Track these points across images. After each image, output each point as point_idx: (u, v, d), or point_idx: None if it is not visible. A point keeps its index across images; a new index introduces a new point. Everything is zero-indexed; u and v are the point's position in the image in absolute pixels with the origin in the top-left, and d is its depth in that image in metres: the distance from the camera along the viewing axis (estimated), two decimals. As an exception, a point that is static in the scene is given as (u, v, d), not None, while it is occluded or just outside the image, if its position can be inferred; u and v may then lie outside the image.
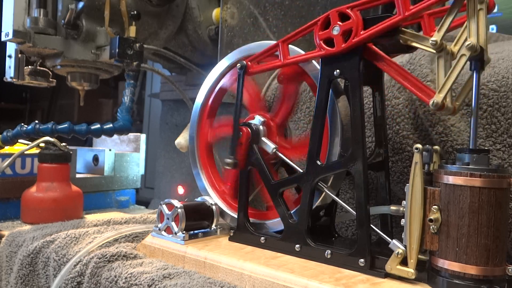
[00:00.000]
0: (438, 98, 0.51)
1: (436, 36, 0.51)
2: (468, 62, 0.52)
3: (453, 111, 0.53)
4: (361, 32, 0.56)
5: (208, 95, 0.78)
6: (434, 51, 0.52)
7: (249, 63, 0.69)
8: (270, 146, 0.68)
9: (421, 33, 0.54)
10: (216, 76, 0.77)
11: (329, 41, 0.59)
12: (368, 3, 0.56)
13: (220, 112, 0.80)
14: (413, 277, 0.51)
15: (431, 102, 0.51)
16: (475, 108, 0.51)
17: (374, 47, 0.57)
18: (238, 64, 0.69)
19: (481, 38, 0.50)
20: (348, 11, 0.57)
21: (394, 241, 0.53)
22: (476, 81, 0.52)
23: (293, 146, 0.70)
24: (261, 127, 0.69)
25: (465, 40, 0.51)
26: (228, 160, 0.68)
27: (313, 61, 0.65)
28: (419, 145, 0.51)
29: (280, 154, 0.67)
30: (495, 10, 1.13)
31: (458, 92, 0.58)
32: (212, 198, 0.75)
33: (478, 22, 0.50)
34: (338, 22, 0.57)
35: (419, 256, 0.52)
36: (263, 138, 0.69)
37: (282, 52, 0.65)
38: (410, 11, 0.52)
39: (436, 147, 0.53)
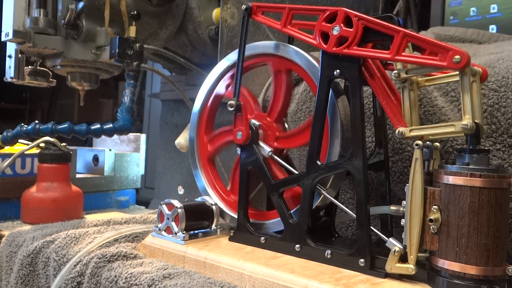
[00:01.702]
0: (405, 129, 0.54)
1: (399, 67, 0.55)
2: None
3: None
4: (354, 47, 0.56)
5: (208, 95, 0.78)
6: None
7: (255, 7, 0.69)
8: (266, 149, 0.68)
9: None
10: (216, 76, 0.77)
11: (325, 35, 0.59)
12: (374, 24, 0.55)
13: (220, 112, 0.80)
14: (413, 272, 0.51)
15: (397, 131, 0.54)
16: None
17: (368, 60, 0.58)
18: (244, 6, 0.69)
19: (476, 113, 0.50)
20: (355, 19, 0.57)
21: (391, 239, 0.53)
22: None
23: (294, 135, 0.69)
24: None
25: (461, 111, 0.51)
26: (232, 102, 0.69)
27: (313, 60, 0.65)
28: (419, 142, 0.51)
29: (276, 158, 0.67)
30: (495, 10, 1.13)
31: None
32: (212, 198, 0.75)
33: (472, 96, 0.50)
34: (341, 24, 0.57)
35: (419, 254, 0.52)
36: (259, 142, 0.69)
37: (285, 17, 0.65)
38: (401, 57, 0.53)
39: (437, 144, 0.53)
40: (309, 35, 0.61)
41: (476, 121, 0.50)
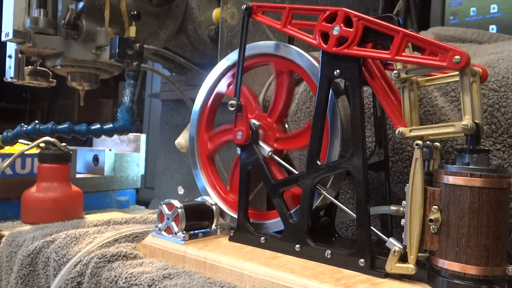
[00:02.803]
0: (405, 129, 0.54)
1: (399, 67, 0.55)
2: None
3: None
4: (354, 47, 0.56)
5: (208, 95, 0.78)
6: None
7: (255, 7, 0.69)
8: (266, 149, 0.68)
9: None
10: (216, 76, 0.77)
11: (325, 35, 0.59)
12: (374, 25, 0.55)
13: (220, 112, 0.80)
14: (413, 272, 0.51)
15: (397, 131, 0.55)
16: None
17: (368, 60, 0.58)
18: (244, 6, 0.69)
19: (476, 114, 0.50)
20: (355, 19, 0.57)
21: (391, 239, 0.53)
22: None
23: (294, 137, 0.69)
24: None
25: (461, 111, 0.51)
26: (232, 102, 0.69)
27: (313, 60, 0.65)
28: (419, 141, 0.51)
29: (276, 157, 0.67)
30: (495, 10, 1.13)
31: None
32: (212, 198, 0.75)
33: (472, 96, 0.50)
34: (341, 24, 0.57)
35: (419, 254, 0.52)
36: (259, 142, 0.69)
37: (285, 17, 0.65)
38: (401, 57, 0.53)
39: (437, 143, 0.53)
40: (309, 35, 0.61)
41: (476, 121, 0.50)
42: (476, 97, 0.50)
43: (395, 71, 0.55)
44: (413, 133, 0.53)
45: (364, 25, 0.56)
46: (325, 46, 0.59)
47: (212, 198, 0.75)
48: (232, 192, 0.75)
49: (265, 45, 0.71)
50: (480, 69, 0.51)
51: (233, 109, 0.69)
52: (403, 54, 0.53)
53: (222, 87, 0.77)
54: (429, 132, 0.53)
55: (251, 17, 0.69)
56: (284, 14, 0.65)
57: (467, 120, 0.49)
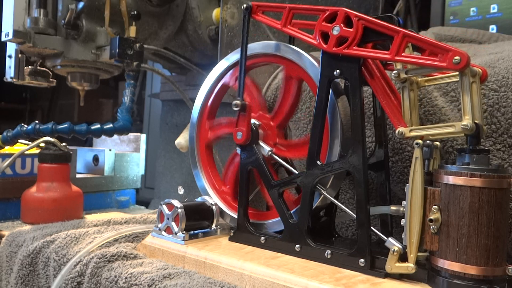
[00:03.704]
0: (405, 129, 0.54)
1: (399, 68, 0.55)
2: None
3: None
4: (354, 47, 0.56)
5: (208, 95, 0.78)
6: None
7: (255, 6, 0.69)
8: (266, 149, 0.68)
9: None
10: (216, 76, 0.77)
11: (325, 36, 0.59)
12: (374, 25, 0.55)
13: (220, 112, 0.80)
14: (413, 271, 0.51)
15: (397, 131, 0.54)
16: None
17: (368, 60, 0.58)
18: (244, 5, 0.69)
19: (476, 113, 0.50)
20: (355, 19, 0.57)
21: (390, 239, 0.53)
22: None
23: (294, 146, 0.70)
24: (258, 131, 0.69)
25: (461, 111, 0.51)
26: (237, 102, 0.68)
27: (313, 60, 0.65)
28: (419, 140, 0.51)
29: (276, 157, 0.67)
30: (495, 10, 1.13)
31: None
32: (212, 198, 0.75)
33: (472, 96, 0.50)
34: (341, 24, 0.57)
35: (419, 254, 0.52)
36: (259, 142, 0.69)
37: (285, 17, 0.65)
38: (401, 57, 0.53)
39: (437, 143, 0.53)
40: (309, 35, 0.61)
41: (476, 121, 0.50)
42: (476, 98, 0.50)
43: (395, 71, 0.55)
44: (413, 133, 0.53)
45: (364, 25, 0.56)
46: (325, 46, 0.59)
47: (212, 198, 0.75)
48: (224, 184, 0.76)
49: (275, 47, 0.70)
50: (480, 70, 0.51)
51: (237, 109, 0.68)
52: (403, 54, 0.53)
53: (228, 79, 0.76)
54: (429, 132, 0.53)
55: (252, 17, 0.69)
56: (284, 14, 0.65)
57: (467, 121, 0.49)
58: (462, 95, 0.50)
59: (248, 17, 0.69)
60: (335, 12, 0.59)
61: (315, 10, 0.61)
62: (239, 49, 0.73)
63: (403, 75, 0.54)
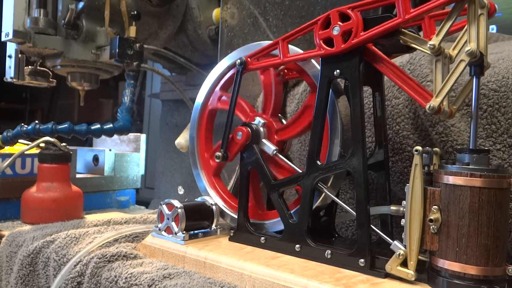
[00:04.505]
0: (435, 102, 0.51)
1: (434, 40, 0.51)
2: (468, 67, 0.51)
3: (450, 115, 0.54)
4: (361, 34, 0.56)
5: (208, 95, 0.78)
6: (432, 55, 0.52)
7: (248, 59, 0.69)
8: (270, 148, 0.68)
9: (421, 35, 0.54)
10: (216, 76, 0.77)
11: (329, 41, 0.59)
12: (369, 5, 0.56)
13: (220, 112, 0.80)
14: (413, 279, 0.51)
15: (427, 106, 0.51)
16: (475, 111, 0.51)
17: (373, 48, 0.57)
18: (238, 60, 0.70)
19: (481, 44, 0.50)
20: (349, 11, 0.57)
21: (396, 242, 0.53)
22: (476, 85, 0.51)
23: (291, 125, 0.70)
24: (261, 129, 0.69)
25: (465, 44, 0.51)
26: (218, 153, 0.71)
27: (313, 60, 0.65)
28: (419, 147, 0.51)
29: (280, 156, 0.68)
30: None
31: (457, 94, 0.58)
32: (212, 198, 0.75)
33: (478, 27, 0.50)
34: (339, 22, 0.57)
35: (420, 257, 0.52)
36: (264, 140, 0.69)
37: (281, 50, 0.65)
38: (410, 14, 0.52)
39: (436, 149, 0.53)
40: (313, 51, 0.61)
41: (481, 50, 0.49)
42: (483, 28, 0.49)
43: (430, 43, 0.51)
44: (441, 102, 0.51)
45: (360, 11, 0.56)
46: (333, 49, 0.58)
47: (212, 198, 0.75)
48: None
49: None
50: (489, 3, 0.50)
51: (218, 160, 0.71)
52: (411, 10, 0.52)
53: (213, 102, 0.78)
54: (449, 85, 0.50)
55: (248, 68, 0.70)
56: (279, 48, 0.65)
57: (472, 46, 0.49)
58: (468, 25, 0.50)
59: (241, 72, 0.70)
60: (327, 16, 0.59)
61: (307, 27, 0.61)
62: (239, 49, 0.73)
63: (437, 46, 0.51)
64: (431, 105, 0.51)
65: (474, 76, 0.51)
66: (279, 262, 0.59)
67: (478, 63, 0.50)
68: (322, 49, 0.59)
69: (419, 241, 0.51)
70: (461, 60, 0.50)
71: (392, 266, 0.53)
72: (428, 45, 0.51)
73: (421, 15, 0.52)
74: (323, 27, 0.59)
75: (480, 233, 0.48)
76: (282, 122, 0.73)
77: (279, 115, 0.74)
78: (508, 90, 0.60)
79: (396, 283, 0.52)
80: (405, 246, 0.52)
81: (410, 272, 0.51)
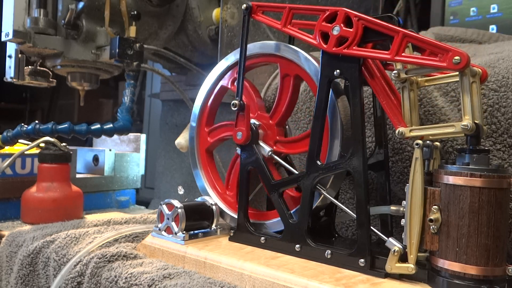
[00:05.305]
0: (405, 129, 0.54)
1: (399, 66, 0.55)
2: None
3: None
4: (354, 48, 0.56)
5: (208, 95, 0.78)
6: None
7: (255, 6, 0.69)
8: (266, 149, 0.68)
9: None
10: (216, 76, 0.77)
11: (325, 36, 0.59)
12: (374, 25, 0.55)
13: (220, 112, 0.80)
14: (413, 272, 0.51)
15: (397, 131, 0.55)
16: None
17: (368, 61, 0.58)
18: (244, 5, 0.69)
19: (475, 114, 0.50)
20: (355, 20, 0.57)
21: (390, 239, 0.53)
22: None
23: (294, 142, 0.69)
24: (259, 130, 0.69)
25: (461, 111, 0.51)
26: (235, 102, 0.68)
27: (313, 60, 0.65)
28: (419, 141, 0.51)
29: (276, 157, 0.67)
30: (495, 10, 1.13)
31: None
32: (212, 198, 0.75)
33: (472, 96, 0.50)
34: (341, 24, 0.57)
35: (419, 254, 0.52)
36: (259, 142, 0.69)
37: (285, 16, 0.65)
38: (401, 57, 0.53)
39: (437, 143, 0.53)
40: (309, 35, 0.61)
41: (476, 121, 0.50)
42: (476, 98, 0.50)
43: (395, 71, 0.55)
44: (413, 133, 0.53)
45: (364, 25, 0.56)
46: (325, 46, 0.59)
47: (212, 198, 0.75)
48: (229, 189, 0.75)
49: (272, 46, 0.70)
50: (480, 70, 0.51)
51: (235, 108, 0.68)
52: (403, 54, 0.53)
53: (226, 81, 0.77)
54: (429, 132, 0.53)
55: (251, 17, 0.69)
56: (284, 14, 0.65)
57: (467, 121, 0.49)
58: (462, 95, 0.50)
59: (248, 17, 0.69)
60: (335, 12, 0.59)
61: (315, 10, 0.61)
62: (238, 50, 0.73)
63: (403, 75, 0.54)
64: (400, 130, 0.54)
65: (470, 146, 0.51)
66: (279, 262, 0.59)
67: (474, 135, 0.50)
68: (317, 40, 0.60)
69: (419, 241, 0.51)
70: (452, 125, 0.51)
71: (391, 265, 0.53)
72: (393, 74, 0.55)
73: (409, 63, 0.54)
74: (327, 20, 0.59)
75: (480, 233, 0.48)
76: (285, 130, 0.73)
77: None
78: (508, 90, 0.60)
79: (396, 283, 0.52)
80: (405, 246, 0.52)
81: (410, 266, 0.51)
